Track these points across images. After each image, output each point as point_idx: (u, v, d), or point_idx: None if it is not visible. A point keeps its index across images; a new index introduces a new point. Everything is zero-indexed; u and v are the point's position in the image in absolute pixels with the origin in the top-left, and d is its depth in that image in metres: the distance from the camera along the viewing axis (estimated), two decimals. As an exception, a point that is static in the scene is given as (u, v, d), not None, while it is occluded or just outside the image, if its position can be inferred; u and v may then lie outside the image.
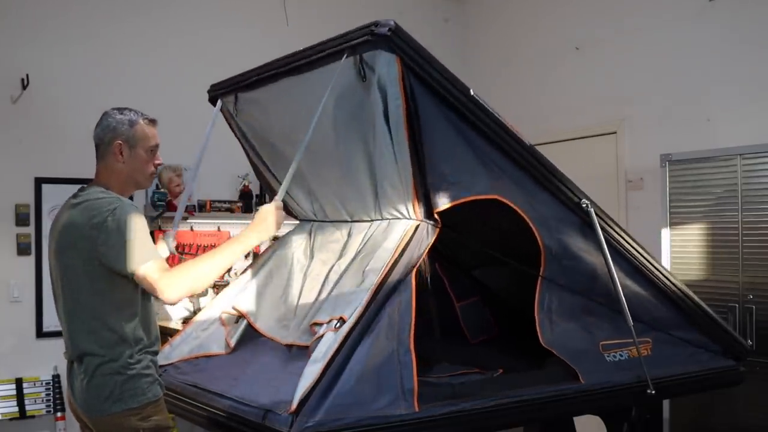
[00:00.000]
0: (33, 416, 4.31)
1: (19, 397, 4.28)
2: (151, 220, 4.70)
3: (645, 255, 2.80)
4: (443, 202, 2.41)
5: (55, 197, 4.41)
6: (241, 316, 2.87)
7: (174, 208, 4.67)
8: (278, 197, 2.44)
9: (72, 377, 2.44)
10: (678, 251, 4.14)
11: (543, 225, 2.57)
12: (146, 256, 2.25)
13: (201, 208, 4.84)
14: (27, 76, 4.36)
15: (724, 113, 4.33)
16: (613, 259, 2.64)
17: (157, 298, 2.27)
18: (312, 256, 2.97)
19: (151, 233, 4.70)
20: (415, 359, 2.24)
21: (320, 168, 2.88)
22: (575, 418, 3.26)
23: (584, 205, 2.58)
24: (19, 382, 4.31)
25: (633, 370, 2.70)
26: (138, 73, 4.76)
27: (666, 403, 3.95)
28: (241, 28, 5.17)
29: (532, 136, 5.52)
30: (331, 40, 2.44)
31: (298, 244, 3.07)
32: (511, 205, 2.49)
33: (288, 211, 3.18)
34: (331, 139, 2.65)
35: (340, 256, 2.79)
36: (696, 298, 2.99)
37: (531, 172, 2.54)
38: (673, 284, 2.89)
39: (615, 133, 4.96)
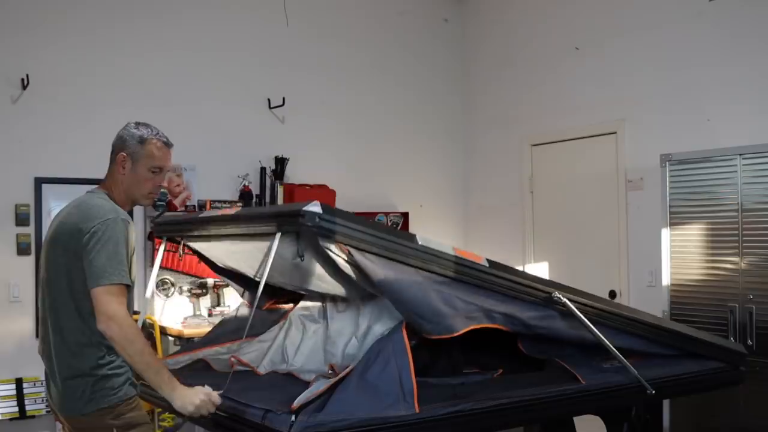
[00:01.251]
0: (33, 416, 4.31)
1: (19, 397, 4.28)
2: (150, 220, 4.70)
3: (629, 314, 2.80)
4: (417, 332, 2.41)
5: (55, 197, 4.41)
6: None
7: (174, 208, 4.67)
8: (218, 396, 2.37)
9: (49, 376, 2.47)
10: (678, 251, 4.14)
11: (521, 326, 2.56)
12: (113, 278, 2.26)
13: (201, 209, 4.83)
14: (27, 76, 4.36)
15: (724, 113, 4.33)
16: (598, 329, 2.61)
17: (96, 319, 2.27)
18: (326, 318, 2.95)
19: (151, 233, 4.75)
20: (411, 361, 2.25)
21: (298, 283, 2.84)
22: (575, 418, 3.26)
23: (556, 298, 2.55)
24: (19, 382, 4.31)
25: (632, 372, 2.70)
26: (138, 73, 4.76)
27: (666, 403, 3.95)
28: (242, 28, 5.17)
29: (532, 137, 5.57)
30: (264, 217, 2.42)
31: (311, 309, 3.06)
32: (487, 326, 2.48)
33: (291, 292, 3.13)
34: (297, 275, 2.63)
35: (358, 325, 2.77)
36: (688, 331, 3.01)
37: (496, 288, 2.49)
38: (663, 328, 2.91)
39: (615, 133, 4.96)
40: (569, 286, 2.68)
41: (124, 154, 2.46)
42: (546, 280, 2.63)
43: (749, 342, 3.77)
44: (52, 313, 2.41)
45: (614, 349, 2.61)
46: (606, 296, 4.96)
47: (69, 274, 2.33)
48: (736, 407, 3.82)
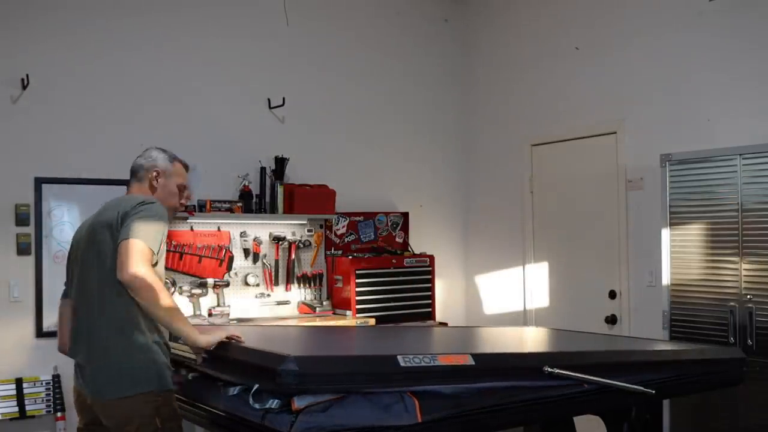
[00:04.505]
0: (33, 416, 4.31)
1: (19, 397, 4.28)
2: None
3: (621, 359, 2.83)
4: None
5: (55, 197, 4.41)
6: None
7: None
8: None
9: (85, 365, 2.49)
10: (678, 251, 4.14)
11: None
12: (145, 239, 2.38)
13: (201, 208, 4.83)
14: (27, 76, 4.35)
15: (724, 113, 4.33)
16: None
17: (119, 270, 2.36)
18: None
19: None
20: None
21: None
22: (575, 418, 3.26)
23: (546, 372, 2.53)
24: (19, 382, 4.31)
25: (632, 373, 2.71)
26: (138, 73, 4.75)
27: (666, 403, 3.95)
28: (241, 28, 5.17)
29: (532, 137, 5.57)
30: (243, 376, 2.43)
31: None
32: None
33: None
34: None
35: None
36: (685, 357, 3.03)
37: (487, 379, 2.45)
38: (660, 362, 2.93)
39: (615, 133, 4.96)
40: (558, 352, 2.73)
41: (157, 171, 2.69)
42: (534, 353, 2.66)
43: (749, 342, 3.78)
44: (94, 297, 2.48)
45: (622, 383, 2.62)
46: (606, 296, 4.97)
47: (113, 254, 2.42)
48: (736, 407, 3.82)
